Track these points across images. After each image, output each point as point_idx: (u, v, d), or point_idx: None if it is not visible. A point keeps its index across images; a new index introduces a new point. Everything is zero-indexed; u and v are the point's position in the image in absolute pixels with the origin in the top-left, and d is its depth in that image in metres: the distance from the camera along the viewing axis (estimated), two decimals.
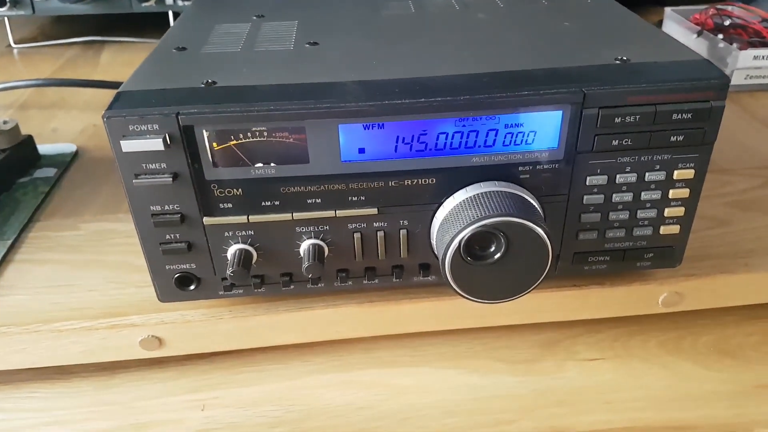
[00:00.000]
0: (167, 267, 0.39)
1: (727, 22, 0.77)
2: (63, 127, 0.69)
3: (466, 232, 0.34)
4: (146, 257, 0.38)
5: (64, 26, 1.03)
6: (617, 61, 0.38)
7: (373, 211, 0.38)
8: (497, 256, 0.35)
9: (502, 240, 0.35)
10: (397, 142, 0.36)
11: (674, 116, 0.36)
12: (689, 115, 0.36)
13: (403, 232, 0.38)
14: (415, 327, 0.45)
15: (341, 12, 0.50)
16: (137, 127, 0.34)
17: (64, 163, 0.61)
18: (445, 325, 0.45)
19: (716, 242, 0.48)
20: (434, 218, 0.38)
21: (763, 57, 0.70)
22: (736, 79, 0.71)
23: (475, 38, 0.44)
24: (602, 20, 0.47)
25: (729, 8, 0.83)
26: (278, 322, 0.43)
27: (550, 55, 0.40)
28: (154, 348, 0.43)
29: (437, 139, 0.36)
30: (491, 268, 0.36)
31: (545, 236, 0.35)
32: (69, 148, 0.64)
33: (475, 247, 0.35)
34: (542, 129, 0.36)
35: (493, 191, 0.36)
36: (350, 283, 0.41)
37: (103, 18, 0.96)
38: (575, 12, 0.48)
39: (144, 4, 0.86)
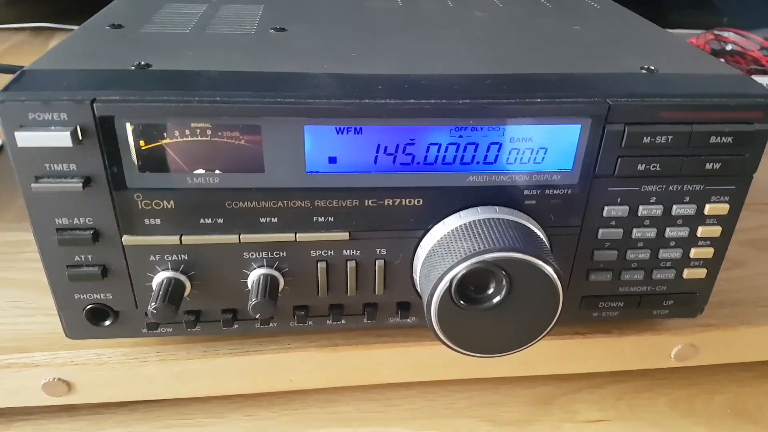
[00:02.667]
0: (76, 296, 0.31)
1: (729, 47, 0.73)
2: None
3: (460, 269, 0.27)
4: (50, 284, 0.30)
5: (13, 11, 0.93)
6: (643, 71, 0.31)
7: (344, 235, 0.30)
8: (496, 300, 0.28)
9: (504, 280, 0.28)
10: (377, 151, 0.28)
11: (712, 139, 0.29)
12: (729, 139, 0.30)
13: (379, 263, 0.31)
14: (387, 377, 0.37)
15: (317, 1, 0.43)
16: (39, 116, 0.26)
17: None
18: (423, 375, 0.37)
19: (733, 287, 0.42)
20: (418, 248, 0.31)
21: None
22: None
23: (474, 36, 0.37)
24: (616, 26, 0.41)
25: (726, 34, 0.79)
26: (217, 368, 0.35)
27: (563, 58, 0.33)
28: (61, 393, 0.35)
29: (427, 150, 0.29)
30: (488, 314, 0.28)
31: (556, 278, 0.28)
32: None
33: (469, 287, 0.28)
34: (555, 146, 0.29)
35: (493, 219, 0.29)
36: (310, 323, 0.33)
37: (58, 3, 0.88)
38: (584, 16, 0.42)
39: None
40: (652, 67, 0.32)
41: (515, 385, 0.41)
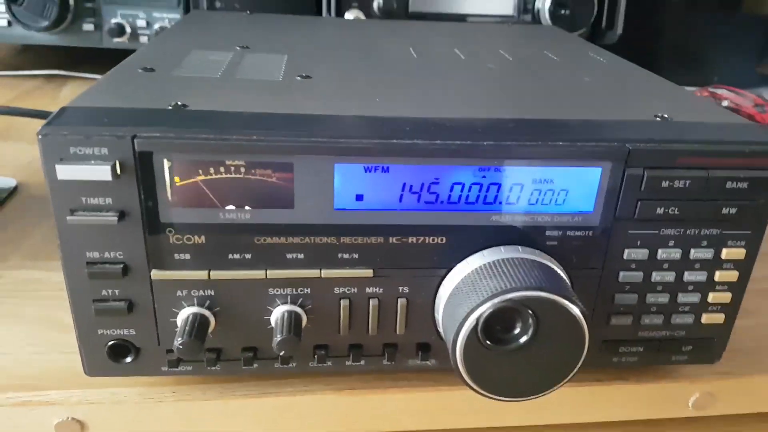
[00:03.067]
0: (100, 332, 0.30)
1: (724, 104, 0.75)
2: (7, 159, 0.61)
3: (487, 307, 0.27)
4: (74, 318, 0.30)
5: (28, 57, 0.96)
6: (657, 118, 0.33)
7: (368, 272, 0.30)
8: (522, 340, 0.28)
9: (530, 320, 0.28)
10: (403, 190, 0.29)
11: (728, 184, 0.30)
12: (745, 185, 0.30)
13: (401, 301, 0.31)
14: (403, 424, 0.36)
15: (337, 51, 0.45)
16: (80, 150, 0.26)
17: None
18: (441, 423, 0.37)
19: (747, 336, 0.42)
20: (441, 287, 0.31)
21: None
22: None
23: (490, 84, 0.38)
24: (624, 77, 0.42)
25: (720, 91, 0.81)
26: (232, 410, 0.34)
27: (578, 106, 0.34)
28: None
29: (451, 190, 0.29)
30: (514, 355, 0.29)
31: (582, 318, 0.28)
32: (8, 182, 0.55)
33: (495, 327, 0.28)
34: (576, 188, 0.30)
35: (518, 258, 0.29)
36: (329, 363, 0.33)
37: (70, 51, 0.90)
38: (592, 68, 0.44)
39: (116, 40, 0.80)
40: (666, 115, 0.33)
41: None
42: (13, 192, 0.55)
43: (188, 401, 0.34)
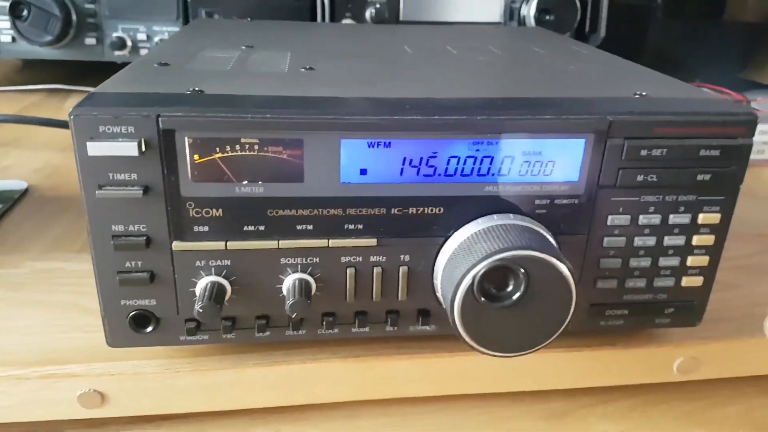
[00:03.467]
0: (122, 302, 0.33)
1: None
2: (17, 165, 0.63)
3: (482, 266, 0.30)
4: (99, 290, 0.32)
5: (31, 72, 0.98)
6: (636, 96, 0.36)
7: (372, 242, 0.33)
8: (515, 296, 0.31)
9: (522, 279, 0.30)
10: (403, 164, 0.32)
11: (702, 152, 0.33)
12: (717, 152, 0.33)
13: (403, 269, 0.34)
14: (407, 390, 0.39)
15: (336, 48, 0.48)
16: (109, 129, 0.29)
17: (11, 199, 0.55)
18: (441, 389, 0.39)
19: (729, 305, 0.45)
20: (439, 254, 0.33)
21: None
22: None
23: (483, 72, 0.41)
24: (606, 65, 0.45)
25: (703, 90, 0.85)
26: (245, 379, 0.36)
27: (564, 87, 0.37)
28: (95, 405, 0.36)
29: (447, 163, 0.32)
30: (507, 312, 0.31)
31: (569, 275, 0.31)
32: (19, 185, 0.58)
33: (490, 286, 0.31)
34: (562, 159, 0.33)
35: (509, 224, 0.32)
36: (336, 330, 0.35)
37: (72, 65, 0.93)
38: (577, 58, 0.47)
39: (117, 53, 0.83)
40: (644, 93, 0.36)
41: (529, 402, 0.42)
42: (24, 193, 0.57)
43: (203, 372, 0.36)
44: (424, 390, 0.39)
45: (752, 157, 0.79)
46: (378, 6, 0.82)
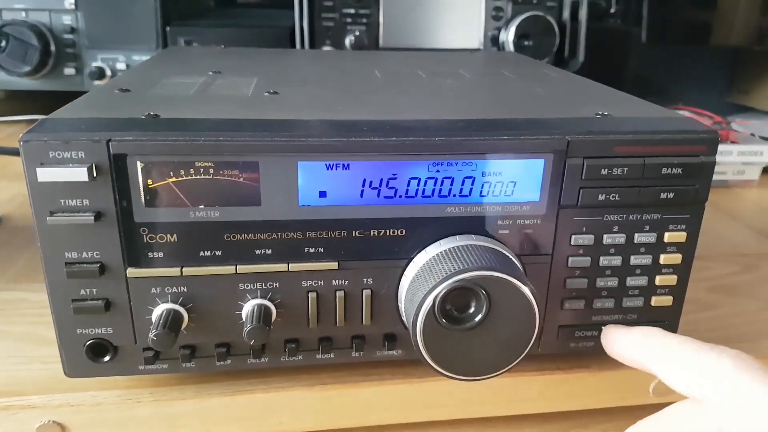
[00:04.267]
0: (79, 331, 0.32)
1: None
2: None
3: (442, 288, 0.29)
4: (54, 319, 0.32)
5: (14, 103, 0.98)
6: (598, 116, 0.35)
7: (333, 265, 0.32)
8: (477, 318, 0.30)
9: (483, 300, 0.30)
10: (363, 186, 0.31)
11: (664, 170, 0.33)
12: (679, 170, 0.33)
13: (366, 292, 0.33)
14: (375, 417, 0.38)
15: (305, 73, 0.48)
16: (59, 154, 0.29)
17: None
18: (411, 416, 0.38)
19: (705, 326, 0.44)
20: (403, 276, 0.33)
21: (720, 152, 0.70)
22: None
23: (447, 95, 0.41)
24: (573, 87, 0.45)
25: (681, 112, 0.85)
26: (208, 409, 0.35)
27: (527, 109, 0.37)
28: None
29: (408, 184, 0.32)
30: (469, 334, 0.30)
31: (531, 297, 0.30)
32: None
33: (452, 309, 0.30)
34: (523, 179, 0.32)
35: (471, 245, 0.32)
36: (300, 357, 0.35)
37: (54, 96, 0.93)
38: (545, 81, 0.47)
39: (96, 83, 0.83)
40: (606, 113, 0.36)
41: (502, 428, 0.41)
42: None
43: (165, 401, 0.35)
44: (393, 417, 0.38)
45: (734, 177, 0.80)
46: (357, 33, 0.83)
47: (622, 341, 0.33)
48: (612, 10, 1.08)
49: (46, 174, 0.28)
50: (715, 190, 0.73)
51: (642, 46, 1.04)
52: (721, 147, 0.72)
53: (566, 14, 0.89)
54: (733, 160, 0.74)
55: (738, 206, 0.70)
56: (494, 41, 0.88)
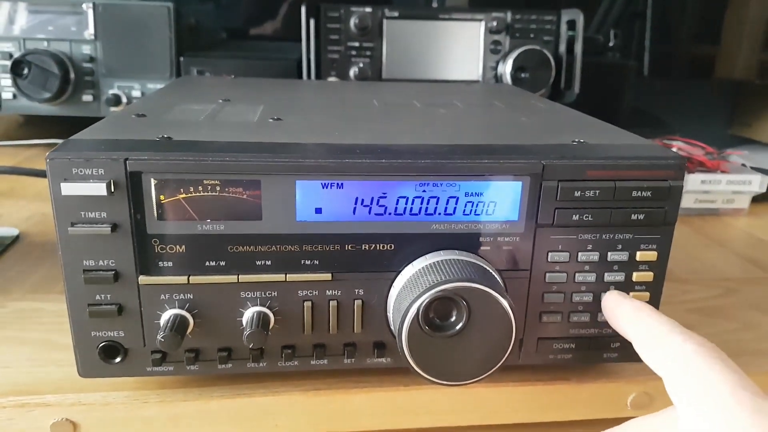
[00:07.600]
0: (93, 333, 0.35)
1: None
2: (9, 213, 0.66)
3: (425, 297, 0.32)
4: (71, 322, 0.35)
5: (32, 128, 1.03)
6: (574, 143, 0.38)
7: (327, 276, 0.35)
8: (458, 327, 0.33)
9: (464, 309, 0.32)
10: (355, 203, 0.34)
11: (634, 193, 0.36)
12: (649, 193, 0.36)
13: (357, 302, 0.36)
14: (364, 423, 0.40)
15: (309, 102, 0.51)
16: (81, 171, 0.32)
17: (3, 245, 0.57)
18: (396, 422, 0.40)
19: None
20: (391, 288, 0.36)
21: (710, 181, 0.73)
22: (686, 202, 0.74)
23: (437, 123, 0.44)
24: (557, 117, 0.49)
25: (674, 142, 0.88)
26: (210, 410, 0.38)
27: (509, 136, 0.40)
28: None
29: (397, 203, 0.35)
30: (451, 341, 0.33)
31: (508, 308, 0.33)
32: (10, 231, 0.60)
33: (434, 316, 0.33)
34: (502, 200, 0.35)
35: (454, 259, 0.34)
36: (296, 362, 0.37)
37: (71, 121, 0.97)
38: (531, 111, 0.51)
39: (113, 109, 0.87)
40: (582, 140, 0.39)
41: None
42: (15, 240, 0.60)
43: (170, 402, 0.38)
44: (381, 423, 0.40)
45: (723, 206, 0.82)
46: (361, 65, 0.87)
47: (616, 309, 0.36)
48: (610, 44, 1.12)
49: (69, 188, 0.31)
50: (705, 218, 0.76)
51: (642, 79, 1.07)
52: (710, 176, 0.75)
53: (563, 48, 0.93)
54: (722, 188, 0.77)
55: (726, 234, 0.72)
56: (491, 73, 0.92)
